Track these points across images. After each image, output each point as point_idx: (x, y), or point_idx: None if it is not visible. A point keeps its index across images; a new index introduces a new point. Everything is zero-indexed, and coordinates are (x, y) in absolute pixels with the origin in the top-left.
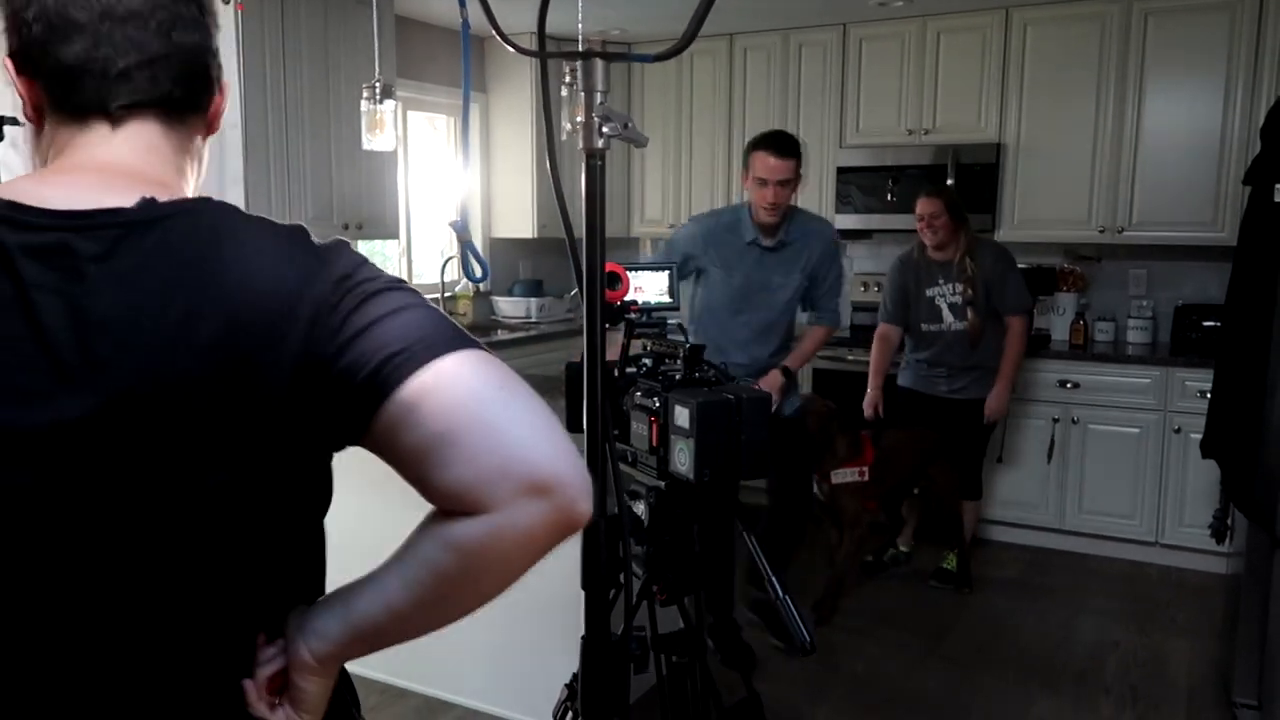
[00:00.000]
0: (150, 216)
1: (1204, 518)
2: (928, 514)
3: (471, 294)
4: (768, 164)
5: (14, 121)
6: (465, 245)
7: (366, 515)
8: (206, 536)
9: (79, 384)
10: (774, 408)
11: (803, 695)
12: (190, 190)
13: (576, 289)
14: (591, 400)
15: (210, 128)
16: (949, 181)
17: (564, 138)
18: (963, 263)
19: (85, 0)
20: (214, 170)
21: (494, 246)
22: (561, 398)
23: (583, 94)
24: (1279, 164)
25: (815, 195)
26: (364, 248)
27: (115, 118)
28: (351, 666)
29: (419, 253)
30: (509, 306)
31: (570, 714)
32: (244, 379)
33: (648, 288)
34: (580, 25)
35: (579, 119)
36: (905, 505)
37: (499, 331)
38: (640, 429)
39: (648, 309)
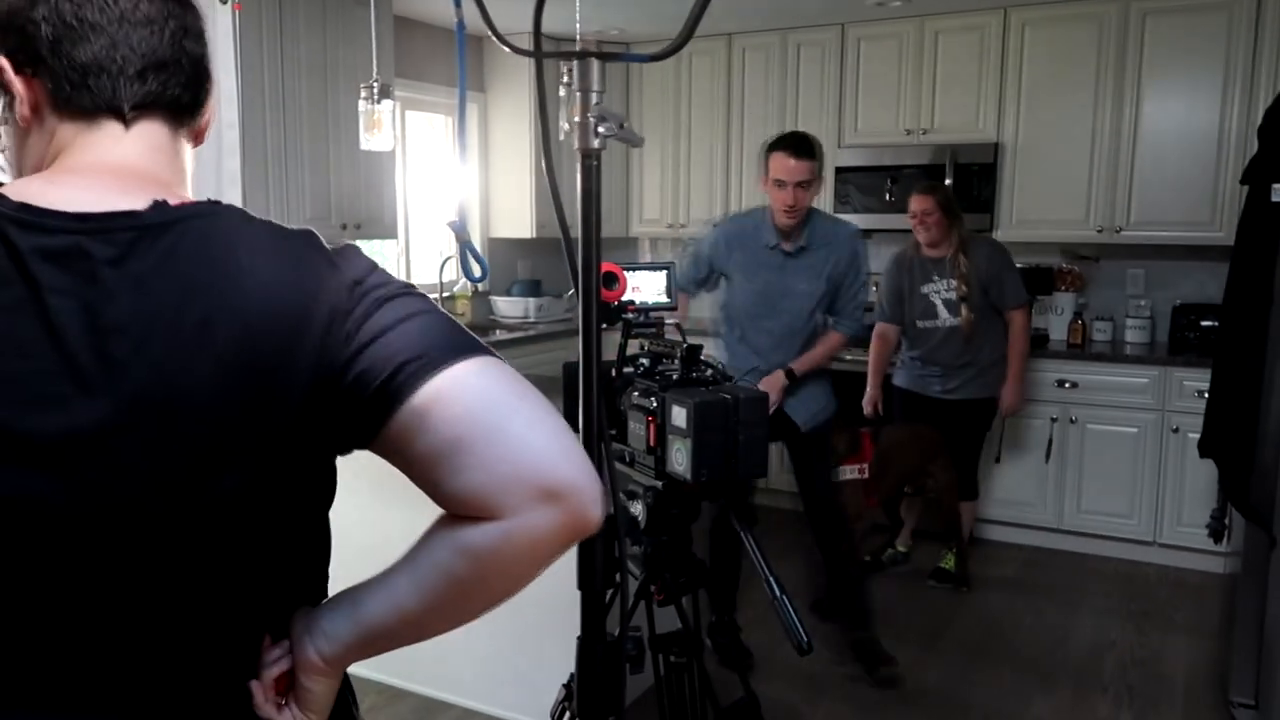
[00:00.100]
0: (164, 220)
1: (1202, 517)
2: (926, 513)
3: (470, 294)
4: (785, 165)
5: None
6: (464, 245)
7: (366, 514)
8: (218, 539)
9: (94, 389)
10: (772, 409)
11: (801, 695)
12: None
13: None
14: (587, 400)
15: (198, 139)
16: (947, 181)
17: (562, 138)
18: (956, 259)
19: (102, 4)
20: (211, 170)
21: (492, 246)
22: (560, 397)
23: (578, 94)
24: (1276, 163)
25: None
26: (362, 248)
27: (128, 118)
28: (351, 666)
29: (417, 253)
30: (507, 306)
31: (568, 714)
32: (260, 384)
33: (645, 288)
34: (578, 25)
35: (576, 119)
36: (904, 505)
37: (497, 331)
38: (638, 429)
39: (645, 309)
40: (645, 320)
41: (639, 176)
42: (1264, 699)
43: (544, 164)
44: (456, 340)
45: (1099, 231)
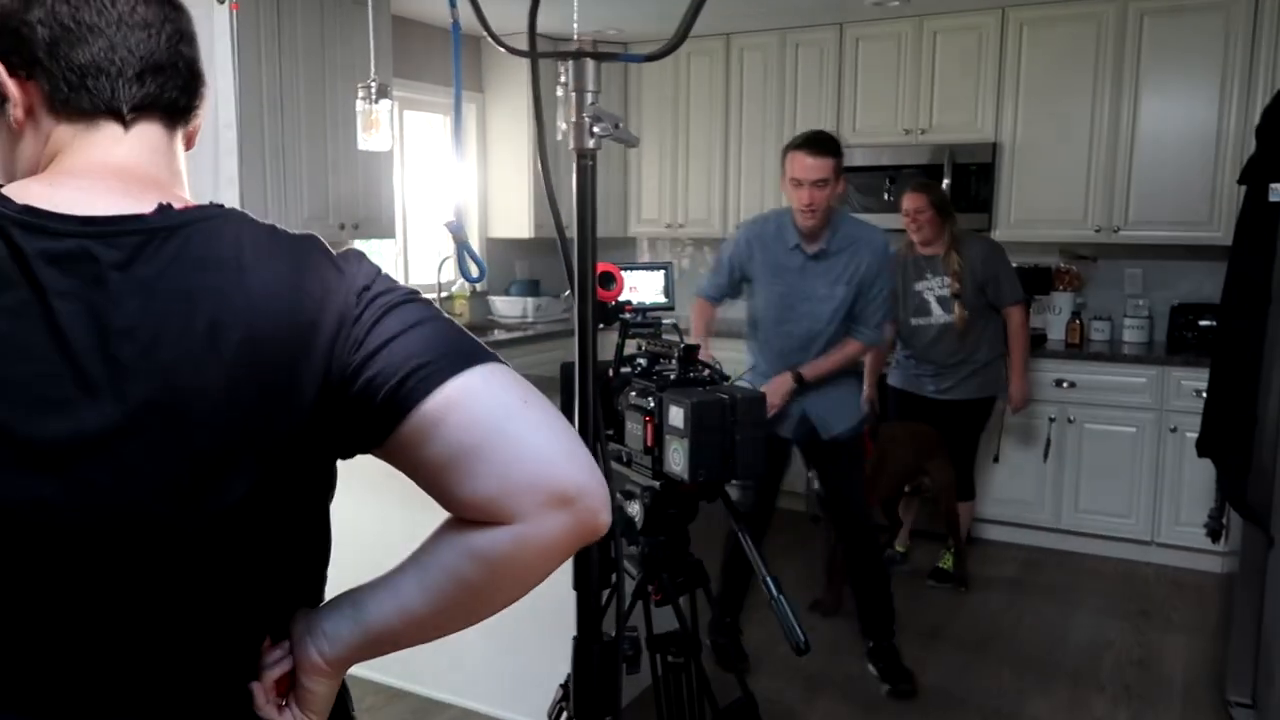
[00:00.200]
0: (169, 224)
1: (1199, 517)
2: (924, 513)
3: (468, 294)
4: (803, 164)
5: None
6: (461, 246)
7: (364, 514)
8: (223, 543)
9: (101, 393)
10: (772, 411)
11: (798, 695)
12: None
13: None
14: (583, 400)
15: (189, 142)
16: (945, 181)
17: (560, 138)
18: (949, 256)
19: (100, 6)
20: (209, 170)
21: (491, 246)
22: (558, 397)
23: (574, 94)
24: (1274, 163)
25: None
26: (360, 247)
27: (127, 119)
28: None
29: (416, 253)
30: (505, 306)
31: (565, 714)
32: (268, 389)
33: (642, 288)
34: (575, 25)
35: (572, 119)
36: (901, 505)
37: (496, 331)
38: (635, 429)
39: (642, 309)
40: (643, 320)
41: (637, 176)
42: (1261, 698)
43: (539, 164)
44: (465, 347)
45: (1097, 231)
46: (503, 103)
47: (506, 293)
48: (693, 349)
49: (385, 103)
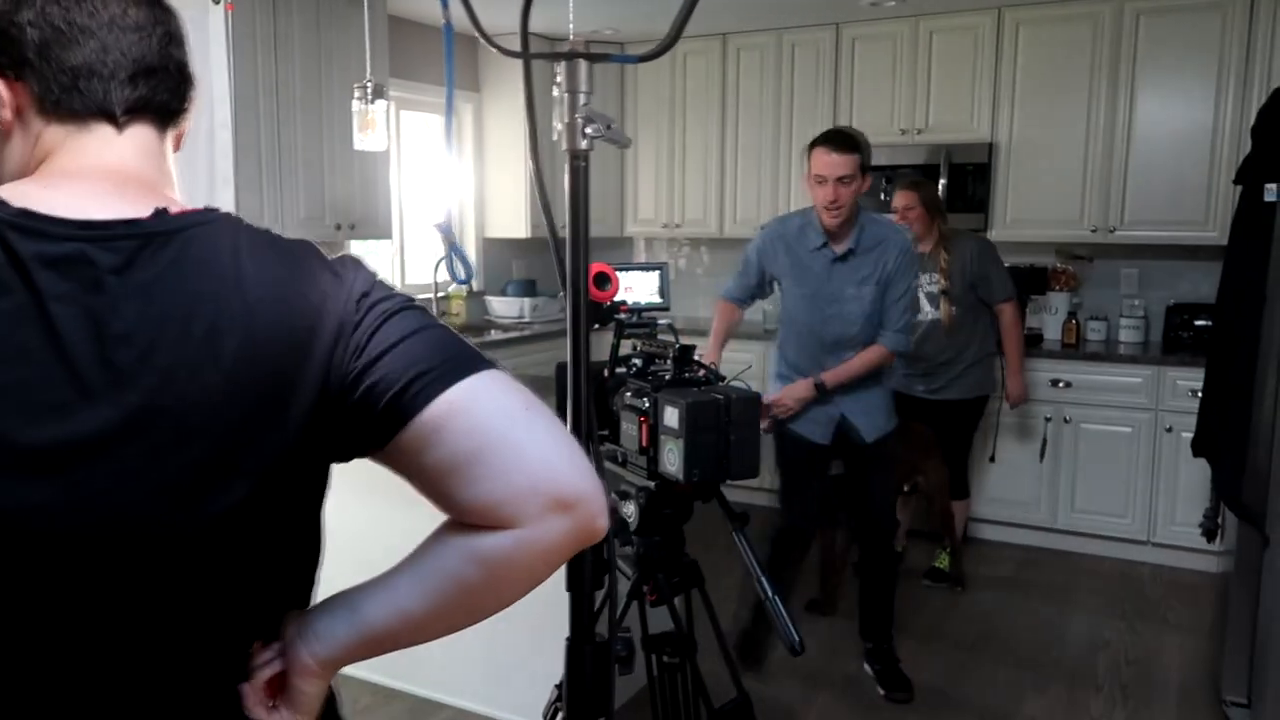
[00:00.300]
0: (166, 228)
1: (1195, 516)
2: (920, 513)
3: (464, 294)
4: (825, 160)
5: None
6: (451, 247)
7: (357, 516)
8: (219, 548)
9: (99, 397)
10: (785, 413)
11: (795, 695)
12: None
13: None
14: (576, 400)
15: (177, 144)
16: (941, 181)
17: (555, 138)
18: (938, 253)
19: (92, 8)
20: (204, 171)
21: (487, 246)
22: (553, 398)
23: (567, 95)
24: (1270, 163)
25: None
26: (357, 248)
27: (120, 122)
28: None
29: (412, 253)
30: (502, 306)
31: (560, 714)
32: (267, 394)
33: (638, 288)
34: (571, 25)
35: (565, 120)
36: (898, 505)
37: (492, 331)
38: (630, 429)
39: (638, 309)
40: (638, 320)
41: (633, 176)
42: (1256, 697)
43: (531, 164)
44: (464, 354)
45: (1093, 231)
46: (499, 102)
47: (503, 293)
48: (688, 349)
49: (381, 103)
